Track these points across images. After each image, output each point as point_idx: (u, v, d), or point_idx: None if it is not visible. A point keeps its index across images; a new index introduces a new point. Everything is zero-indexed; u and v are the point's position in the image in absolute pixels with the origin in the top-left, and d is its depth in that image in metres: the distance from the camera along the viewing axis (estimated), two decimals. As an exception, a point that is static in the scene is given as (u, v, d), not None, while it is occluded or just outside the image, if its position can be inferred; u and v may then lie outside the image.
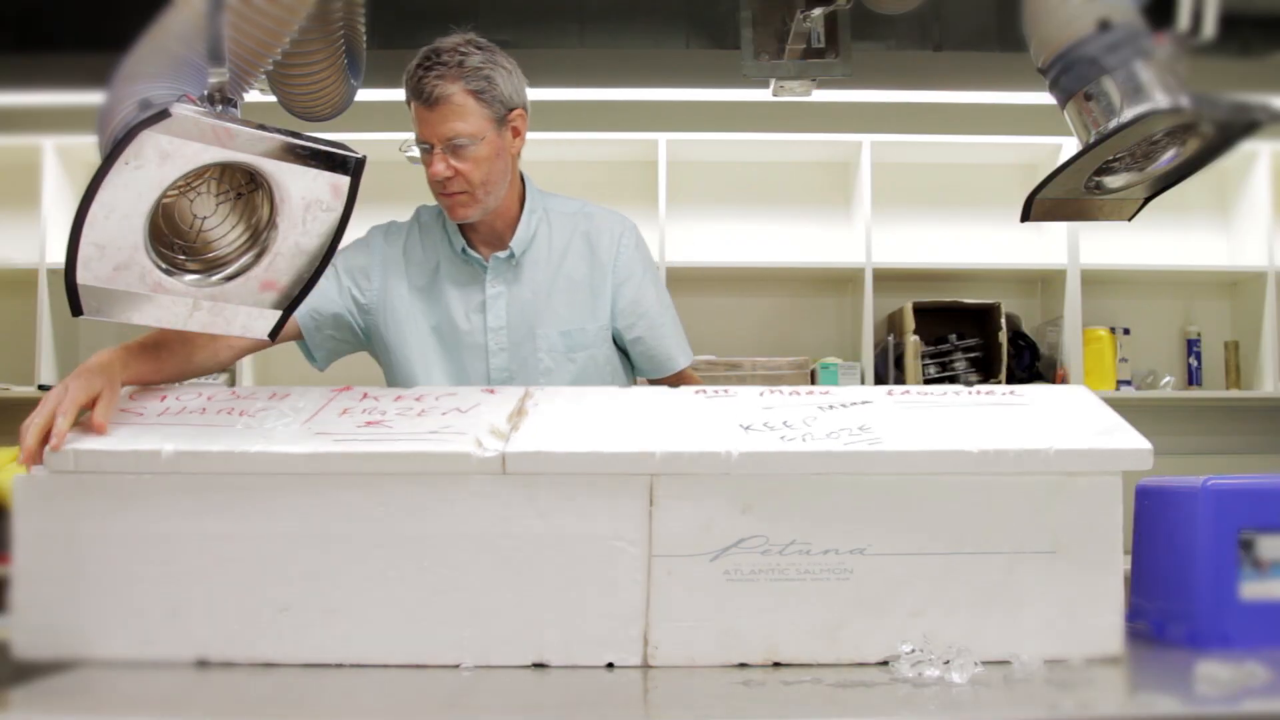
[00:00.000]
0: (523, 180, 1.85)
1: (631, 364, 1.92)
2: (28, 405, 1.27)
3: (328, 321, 1.79)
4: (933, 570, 1.19)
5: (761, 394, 1.41)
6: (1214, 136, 1.54)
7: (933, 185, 3.85)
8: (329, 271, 1.74)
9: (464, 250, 1.79)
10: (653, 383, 1.91)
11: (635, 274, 1.84)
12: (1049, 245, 3.76)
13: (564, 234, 1.83)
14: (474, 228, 1.80)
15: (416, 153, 1.80)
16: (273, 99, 1.83)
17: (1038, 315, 3.83)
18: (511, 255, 1.79)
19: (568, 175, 3.54)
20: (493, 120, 1.72)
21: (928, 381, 3.54)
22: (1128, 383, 3.67)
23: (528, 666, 1.17)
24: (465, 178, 1.71)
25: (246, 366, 3.55)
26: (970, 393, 1.40)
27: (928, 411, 1.33)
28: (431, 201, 1.83)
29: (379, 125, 3.39)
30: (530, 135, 4.20)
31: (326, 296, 1.77)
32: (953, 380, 3.56)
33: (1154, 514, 1.32)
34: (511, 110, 1.75)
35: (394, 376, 1.82)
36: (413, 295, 1.81)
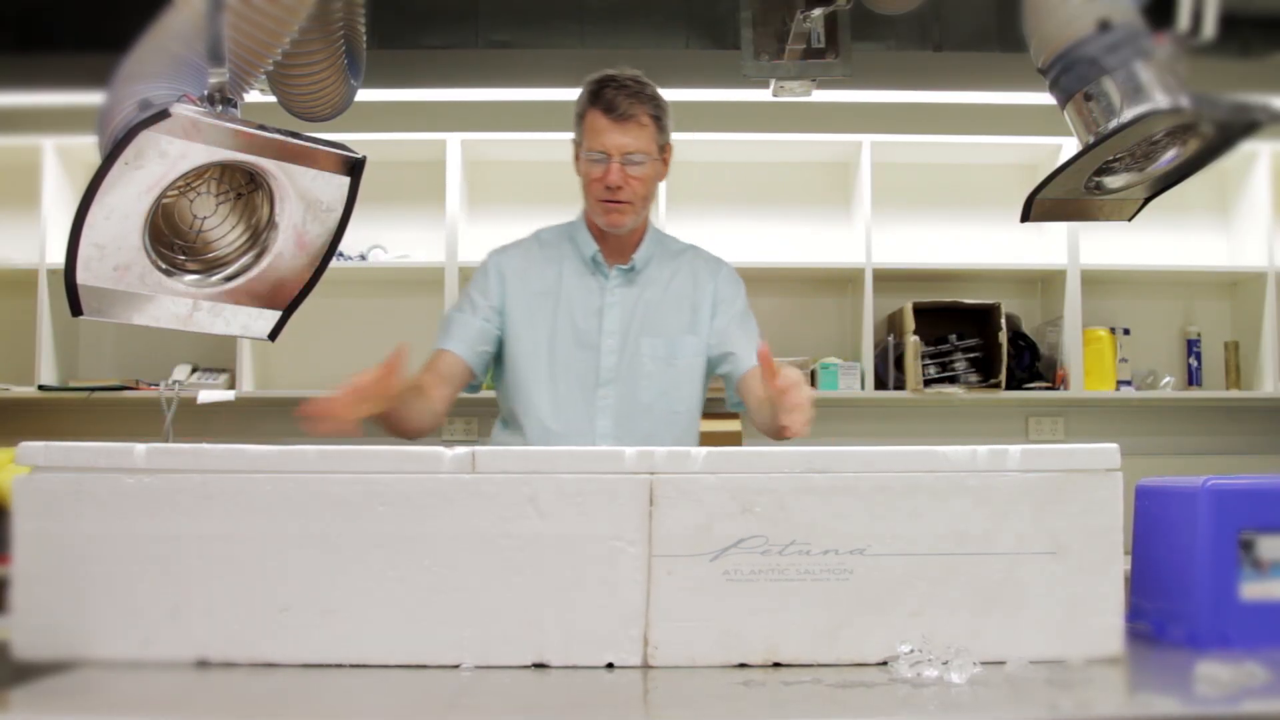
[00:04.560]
0: None
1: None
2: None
3: (485, 342, 2.00)
4: (933, 570, 1.19)
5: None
6: (1214, 136, 1.54)
7: (933, 185, 3.85)
8: (464, 302, 2.05)
9: (594, 257, 2.03)
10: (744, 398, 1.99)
11: (724, 301, 2.06)
12: (1049, 245, 3.76)
13: (673, 262, 2.10)
14: (605, 239, 2.04)
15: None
16: (273, 99, 1.83)
17: (1038, 315, 3.82)
18: (633, 268, 2.04)
19: (570, 176, 3.53)
20: (658, 146, 2.00)
21: (928, 382, 3.54)
22: (1128, 383, 3.66)
23: (528, 666, 1.17)
24: (632, 189, 1.96)
25: (246, 368, 3.55)
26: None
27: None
28: (550, 223, 2.11)
29: (379, 125, 3.40)
30: (531, 136, 4.20)
31: (472, 327, 2.00)
32: (952, 381, 3.56)
33: (1154, 514, 1.32)
34: (667, 144, 2.04)
35: (508, 369, 2.01)
36: (531, 298, 2.03)
